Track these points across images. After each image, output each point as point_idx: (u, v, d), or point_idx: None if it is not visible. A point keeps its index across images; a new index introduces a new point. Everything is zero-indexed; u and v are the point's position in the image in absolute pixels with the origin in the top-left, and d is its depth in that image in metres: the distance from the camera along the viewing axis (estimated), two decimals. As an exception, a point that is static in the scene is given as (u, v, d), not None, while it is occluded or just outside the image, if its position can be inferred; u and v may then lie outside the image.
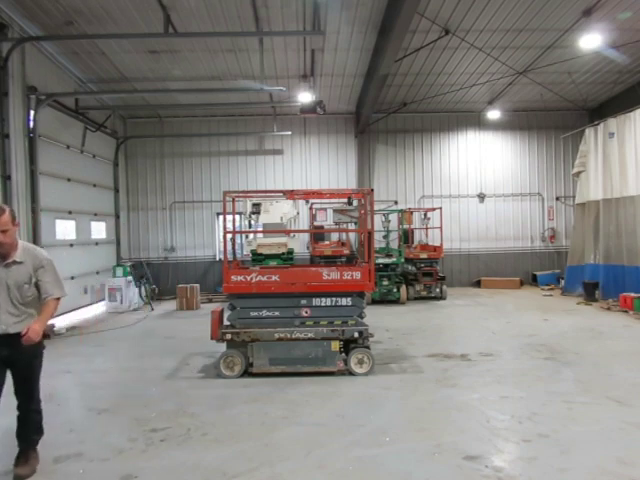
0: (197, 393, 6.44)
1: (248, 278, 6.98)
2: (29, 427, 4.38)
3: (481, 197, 17.34)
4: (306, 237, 16.12)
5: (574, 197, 15.80)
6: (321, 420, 5.44)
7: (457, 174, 17.30)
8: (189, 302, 13.80)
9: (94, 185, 14.35)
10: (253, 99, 15.11)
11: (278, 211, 8.24)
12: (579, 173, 14.57)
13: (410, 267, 14.55)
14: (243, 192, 8.98)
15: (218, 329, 7.03)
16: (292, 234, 9.09)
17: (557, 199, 17.54)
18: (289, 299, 7.06)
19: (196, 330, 10.32)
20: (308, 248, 15.80)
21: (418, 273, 14.21)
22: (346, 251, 14.70)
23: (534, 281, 16.83)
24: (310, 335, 6.90)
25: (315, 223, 15.37)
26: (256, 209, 8.15)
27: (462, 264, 17.22)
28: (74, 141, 13.12)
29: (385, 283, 13.46)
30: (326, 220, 15.29)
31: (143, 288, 14.08)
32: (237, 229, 10.56)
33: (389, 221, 14.74)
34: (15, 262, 4.18)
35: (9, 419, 5.71)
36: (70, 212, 12.82)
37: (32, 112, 10.69)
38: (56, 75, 12.06)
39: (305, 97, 12.92)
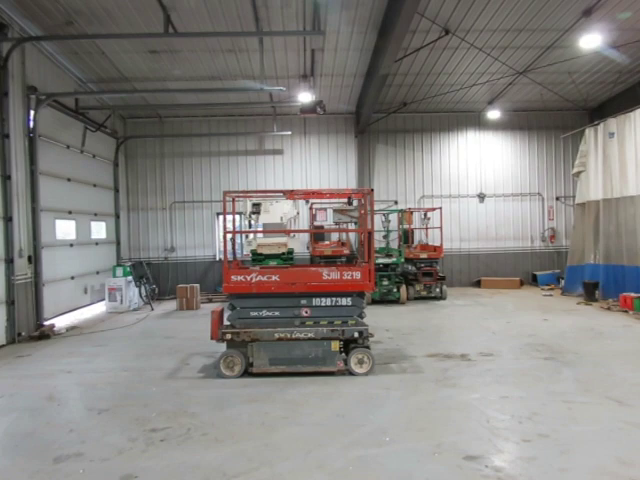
0: (197, 393, 6.44)
1: (248, 278, 6.98)
2: None
3: (481, 197, 17.34)
4: (306, 237, 16.12)
5: (574, 197, 15.81)
6: (321, 420, 5.44)
7: (457, 174, 17.31)
8: (189, 302, 13.81)
9: (94, 185, 14.35)
10: (253, 99, 15.12)
11: (278, 211, 8.24)
12: (579, 173, 14.57)
13: (410, 267, 14.55)
14: (243, 192, 8.97)
15: (218, 329, 7.03)
16: (292, 234, 9.09)
17: (557, 199, 17.54)
18: (289, 299, 7.06)
19: (196, 330, 10.34)
20: (308, 248, 15.79)
21: (418, 273, 14.20)
22: (346, 251, 14.69)
23: (534, 281, 16.83)
24: (310, 335, 6.90)
25: (315, 223, 15.37)
26: (256, 209, 8.15)
27: (462, 264, 17.22)
28: (74, 141, 13.12)
29: (385, 283, 13.46)
30: (326, 220, 15.29)
31: (143, 288, 14.08)
32: (237, 229, 10.56)
33: (389, 221, 14.76)
34: None
35: (9, 419, 5.74)
36: (70, 212, 12.83)
37: (32, 112, 10.70)
38: (56, 75, 12.07)
39: (305, 97, 12.92)
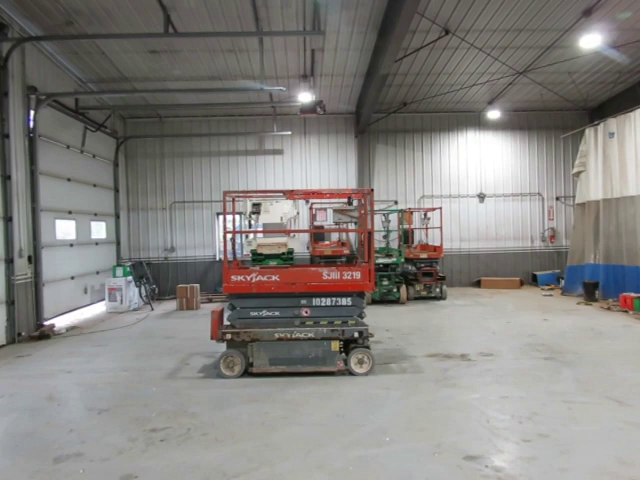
0: (197, 393, 6.44)
1: (248, 278, 6.98)
2: None
3: (481, 197, 17.34)
4: (306, 237, 16.12)
5: (574, 197, 15.81)
6: (321, 420, 5.44)
7: (457, 174, 17.31)
8: (189, 302, 13.81)
9: (94, 185, 14.35)
10: (253, 99, 15.12)
11: (278, 211, 8.24)
12: (579, 173, 14.57)
13: (410, 267, 14.55)
14: (243, 192, 8.97)
15: (218, 329, 7.03)
16: (292, 234, 9.09)
17: (557, 199, 17.54)
18: (289, 299, 7.06)
19: (196, 330, 10.34)
20: (308, 248, 15.79)
21: (418, 273, 14.20)
22: (346, 251, 14.69)
23: (534, 281, 16.83)
24: (310, 335, 6.90)
25: (315, 223, 15.37)
26: (256, 209, 8.15)
27: (462, 264, 17.22)
28: (74, 141, 13.12)
29: (385, 283, 13.46)
30: (326, 220, 15.29)
31: (143, 288, 14.08)
32: (237, 229, 10.56)
33: (389, 221, 14.76)
34: None
35: (9, 419, 5.74)
36: (70, 212, 12.83)
37: (32, 112, 10.70)
38: (56, 75, 12.07)
39: (305, 97, 12.92)
